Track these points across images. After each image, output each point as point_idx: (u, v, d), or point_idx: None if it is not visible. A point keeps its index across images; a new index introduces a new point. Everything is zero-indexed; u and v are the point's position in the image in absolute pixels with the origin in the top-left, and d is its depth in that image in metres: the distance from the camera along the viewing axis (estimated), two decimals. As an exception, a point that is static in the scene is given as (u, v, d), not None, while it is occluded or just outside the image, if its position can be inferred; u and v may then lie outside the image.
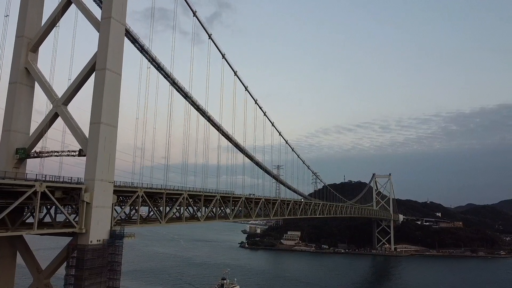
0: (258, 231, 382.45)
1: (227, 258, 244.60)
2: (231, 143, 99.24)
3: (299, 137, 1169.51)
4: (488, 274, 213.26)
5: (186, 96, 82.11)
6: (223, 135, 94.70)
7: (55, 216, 57.40)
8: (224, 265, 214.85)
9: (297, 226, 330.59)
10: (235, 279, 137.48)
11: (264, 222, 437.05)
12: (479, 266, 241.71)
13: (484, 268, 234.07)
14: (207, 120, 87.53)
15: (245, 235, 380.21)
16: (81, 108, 67.99)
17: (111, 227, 55.72)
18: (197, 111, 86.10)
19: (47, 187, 48.36)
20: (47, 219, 59.09)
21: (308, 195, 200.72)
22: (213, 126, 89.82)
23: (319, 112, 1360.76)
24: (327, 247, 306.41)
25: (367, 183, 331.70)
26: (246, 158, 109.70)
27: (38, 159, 62.72)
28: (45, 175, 51.42)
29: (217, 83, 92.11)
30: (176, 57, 74.66)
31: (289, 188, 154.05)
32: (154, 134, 70.55)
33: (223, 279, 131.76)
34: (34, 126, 63.26)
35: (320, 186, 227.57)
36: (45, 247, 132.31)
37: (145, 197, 63.69)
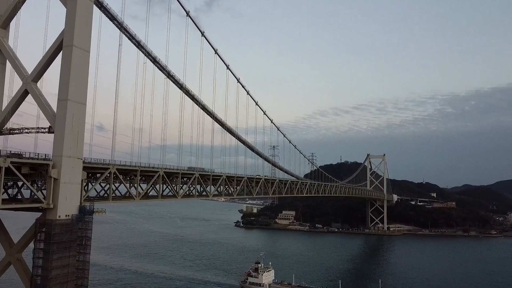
0: (255, 210, 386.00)
1: (221, 237, 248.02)
2: (216, 121, 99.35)
3: (297, 119, 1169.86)
4: (476, 252, 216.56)
5: (168, 74, 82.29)
6: (210, 116, 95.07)
7: (31, 193, 58.32)
8: (216, 243, 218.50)
9: (292, 205, 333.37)
10: (270, 263, 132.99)
11: (261, 202, 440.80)
12: (469, 245, 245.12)
13: (473, 246, 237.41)
14: (185, 95, 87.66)
15: (242, 214, 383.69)
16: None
17: (80, 202, 56.59)
18: (180, 89, 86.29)
19: (11, 162, 48.95)
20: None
21: (304, 175, 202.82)
22: (193, 102, 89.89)
23: (316, 94, 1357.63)
24: (321, 226, 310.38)
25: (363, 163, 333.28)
26: (237, 140, 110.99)
27: (11, 136, 63.61)
28: (10, 151, 51.93)
29: (206, 64, 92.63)
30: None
31: (281, 169, 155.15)
32: (134, 113, 71.80)
33: (257, 262, 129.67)
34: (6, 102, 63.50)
35: (316, 166, 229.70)
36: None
37: (118, 174, 64.39)
